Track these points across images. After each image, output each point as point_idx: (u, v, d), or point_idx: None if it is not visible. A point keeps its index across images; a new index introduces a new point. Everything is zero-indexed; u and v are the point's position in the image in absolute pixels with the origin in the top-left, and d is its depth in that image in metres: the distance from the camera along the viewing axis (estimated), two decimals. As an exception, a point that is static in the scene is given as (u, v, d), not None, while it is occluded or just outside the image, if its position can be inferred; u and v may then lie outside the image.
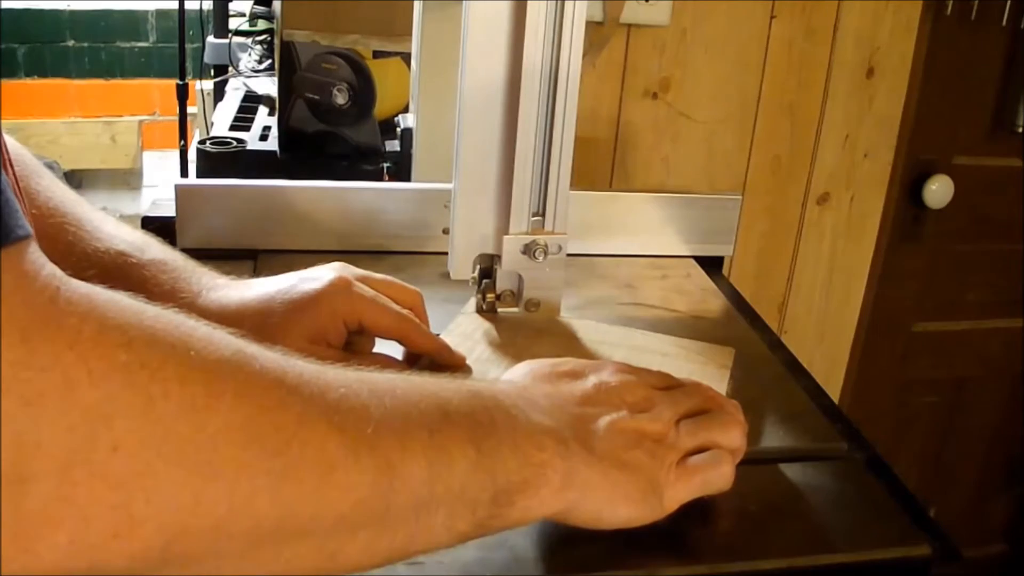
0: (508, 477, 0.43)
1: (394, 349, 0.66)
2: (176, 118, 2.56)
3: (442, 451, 0.41)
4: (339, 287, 0.61)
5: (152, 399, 0.32)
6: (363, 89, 1.13)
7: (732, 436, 0.53)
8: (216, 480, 0.33)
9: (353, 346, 0.63)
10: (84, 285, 0.32)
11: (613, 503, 0.48)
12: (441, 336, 0.68)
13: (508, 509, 0.44)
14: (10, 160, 0.49)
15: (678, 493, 0.50)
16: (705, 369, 0.68)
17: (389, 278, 0.66)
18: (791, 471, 0.61)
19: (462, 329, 0.72)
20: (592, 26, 1.13)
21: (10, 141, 0.64)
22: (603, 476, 0.47)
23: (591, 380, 0.52)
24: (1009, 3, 1.32)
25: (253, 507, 0.34)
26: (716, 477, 0.52)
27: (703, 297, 0.86)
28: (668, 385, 0.55)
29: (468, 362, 0.67)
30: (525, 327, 0.72)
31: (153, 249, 0.63)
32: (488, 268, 0.73)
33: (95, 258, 0.60)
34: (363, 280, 0.63)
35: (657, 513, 0.50)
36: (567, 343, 0.71)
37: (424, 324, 0.66)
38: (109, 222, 0.64)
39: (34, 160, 0.64)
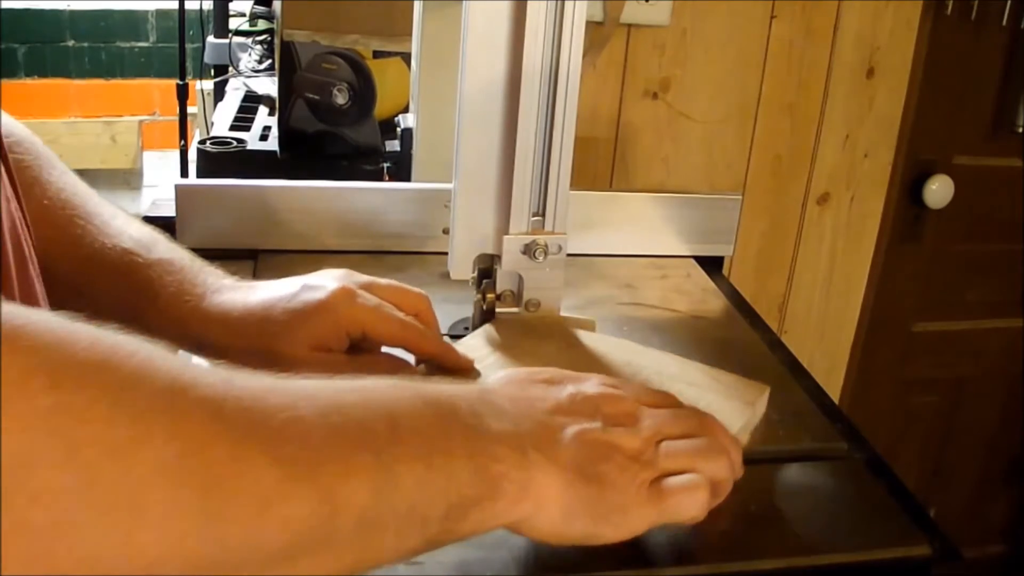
0: (461, 492, 0.42)
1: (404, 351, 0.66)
2: (176, 118, 2.56)
3: (389, 472, 0.39)
4: (341, 297, 0.61)
5: (76, 446, 0.30)
6: (363, 89, 1.13)
7: (716, 466, 0.50)
8: (145, 524, 0.32)
9: (360, 347, 0.63)
10: (21, 314, 0.31)
11: (571, 517, 0.46)
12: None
13: (460, 523, 0.42)
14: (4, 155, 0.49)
15: (646, 514, 0.47)
16: (726, 403, 0.64)
17: (394, 283, 0.65)
18: (791, 471, 0.61)
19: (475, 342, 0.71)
20: (592, 26, 1.13)
21: (21, 129, 0.65)
22: (564, 488, 0.45)
23: (568, 389, 0.50)
24: (1009, 3, 1.32)
25: (185, 548, 0.33)
26: (689, 503, 0.48)
27: (703, 297, 0.86)
28: (661, 404, 0.53)
29: (478, 367, 0.66)
30: (550, 337, 0.71)
31: (160, 247, 0.63)
32: (488, 268, 0.73)
33: (102, 254, 0.60)
34: (367, 287, 0.63)
35: (621, 532, 0.47)
36: (586, 359, 0.69)
37: (432, 327, 0.65)
38: (120, 217, 0.64)
39: (46, 150, 0.64)
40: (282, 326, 0.59)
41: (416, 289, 0.66)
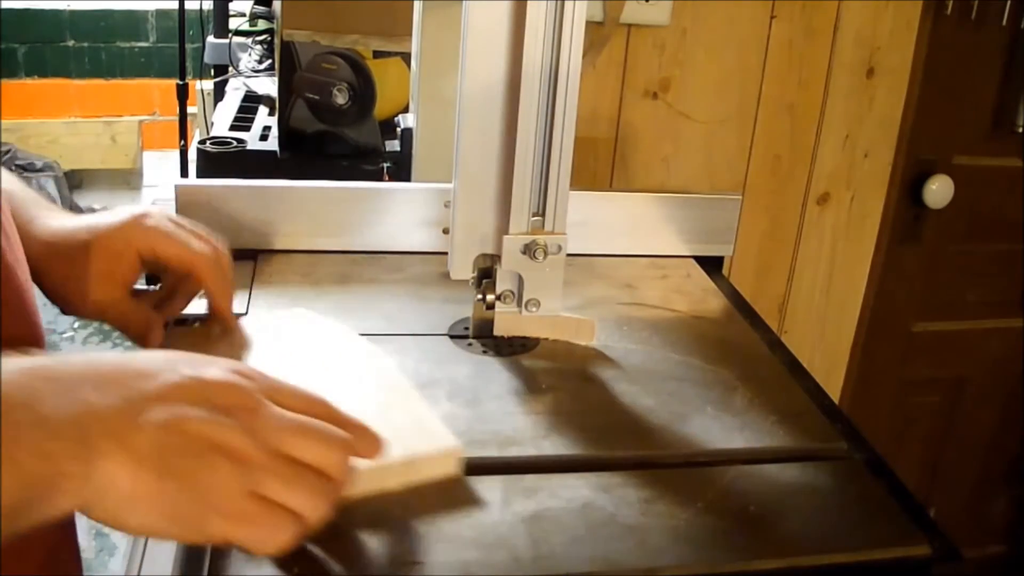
0: (5, 501, 0.39)
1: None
2: (176, 118, 2.56)
3: None
4: (137, 219, 0.65)
5: None
6: (363, 89, 1.13)
7: (314, 509, 0.46)
8: None
9: (176, 292, 0.69)
10: None
11: (132, 509, 0.42)
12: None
13: (14, 524, 0.40)
14: None
15: (224, 527, 0.44)
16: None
17: (196, 225, 0.68)
18: (791, 471, 0.61)
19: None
20: (592, 26, 1.13)
21: None
22: (131, 478, 0.42)
23: (186, 371, 0.45)
24: (1009, 3, 1.32)
25: None
26: (269, 540, 0.45)
27: (703, 297, 0.86)
28: (305, 410, 0.48)
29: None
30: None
31: (7, 182, 0.67)
32: (488, 268, 0.73)
33: None
34: (172, 219, 0.67)
35: (193, 536, 0.44)
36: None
37: (229, 270, 0.69)
38: None
39: None
40: (83, 245, 0.64)
41: (221, 244, 0.68)
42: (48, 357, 0.44)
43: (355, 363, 0.66)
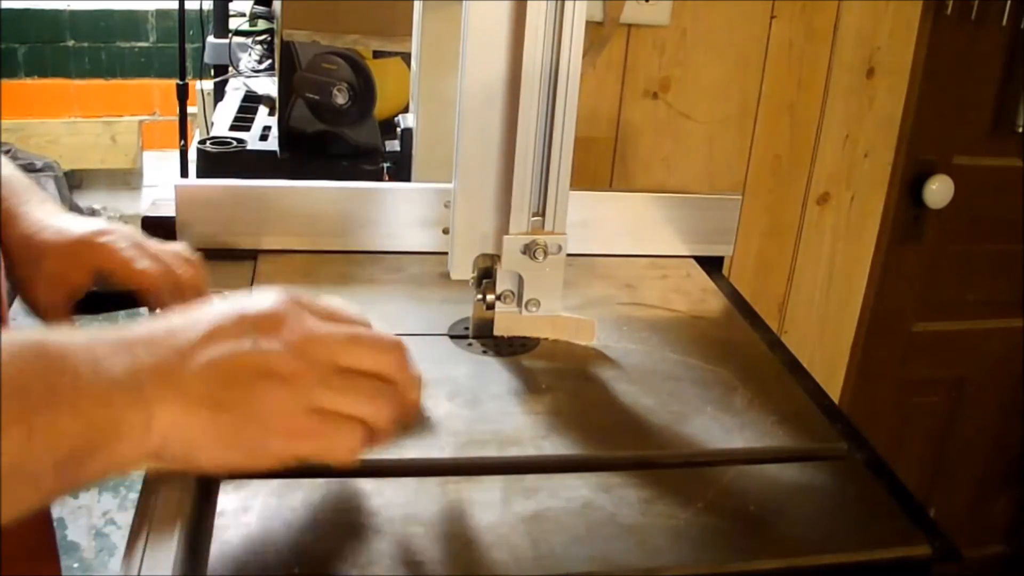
0: (70, 444, 0.42)
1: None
2: (176, 118, 2.56)
3: None
4: (93, 234, 0.66)
5: None
6: (363, 89, 1.13)
7: (379, 413, 0.48)
8: None
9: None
10: None
11: (199, 444, 0.45)
12: None
13: (82, 470, 0.43)
14: None
15: (288, 446, 0.46)
16: None
17: (173, 250, 0.68)
18: (791, 471, 0.61)
19: None
20: (592, 26, 1.13)
21: None
22: (186, 418, 0.44)
23: (229, 308, 0.47)
24: (1009, 3, 1.32)
25: None
26: (339, 447, 0.47)
27: (703, 297, 0.86)
28: (357, 335, 0.49)
29: None
30: None
31: (2, 169, 0.68)
32: (488, 268, 0.73)
33: None
34: (134, 240, 0.67)
35: (263, 461, 0.46)
36: None
37: (193, 293, 0.67)
38: None
39: None
40: (44, 246, 0.65)
41: (186, 267, 0.68)
42: (99, 328, 0.47)
43: None
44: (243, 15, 1.86)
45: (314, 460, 0.47)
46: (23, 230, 0.66)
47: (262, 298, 0.48)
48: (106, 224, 0.67)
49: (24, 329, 0.45)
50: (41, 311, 0.66)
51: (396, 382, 0.49)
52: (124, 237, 0.66)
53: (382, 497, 0.55)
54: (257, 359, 0.46)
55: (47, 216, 0.67)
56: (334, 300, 0.51)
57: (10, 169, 0.69)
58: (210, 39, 2.11)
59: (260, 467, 0.46)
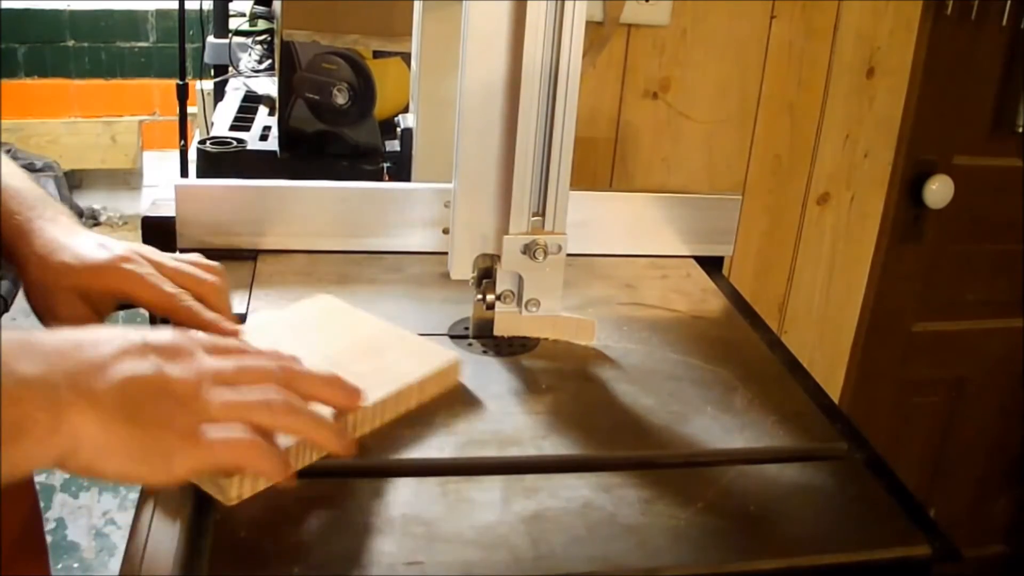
0: None
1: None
2: (176, 118, 2.56)
3: None
4: (115, 261, 0.65)
5: None
6: (363, 89, 1.13)
7: (275, 420, 0.52)
8: None
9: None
10: None
11: (107, 456, 0.47)
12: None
13: None
14: None
15: (188, 461, 0.49)
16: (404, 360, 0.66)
17: (190, 260, 0.68)
18: (791, 471, 0.61)
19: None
20: (592, 26, 1.13)
21: None
22: (101, 427, 0.46)
23: (136, 337, 0.50)
24: (1009, 3, 1.32)
25: None
26: (244, 461, 0.50)
27: (703, 297, 0.86)
28: (246, 364, 0.53)
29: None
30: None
31: (14, 179, 0.69)
32: (488, 268, 0.73)
33: None
34: (153, 261, 0.67)
35: (161, 476, 0.48)
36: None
37: (218, 309, 0.67)
38: None
39: None
40: (69, 269, 0.64)
41: (208, 276, 0.68)
42: (19, 330, 0.48)
43: (348, 323, 0.71)
44: (243, 15, 1.86)
45: (218, 468, 0.50)
46: (38, 248, 0.65)
47: (159, 333, 0.52)
48: (125, 248, 0.66)
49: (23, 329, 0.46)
50: (57, 324, 0.65)
51: (287, 386, 0.53)
52: (145, 261, 0.66)
53: (382, 497, 0.55)
54: (160, 379, 0.49)
55: (63, 235, 0.67)
56: (229, 341, 0.55)
57: (21, 179, 0.69)
58: (210, 39, 2.11)
59: (161, 481, 0.49)
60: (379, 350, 0.67)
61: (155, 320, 0.68)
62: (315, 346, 0.66)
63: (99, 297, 0.65)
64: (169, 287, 0.66)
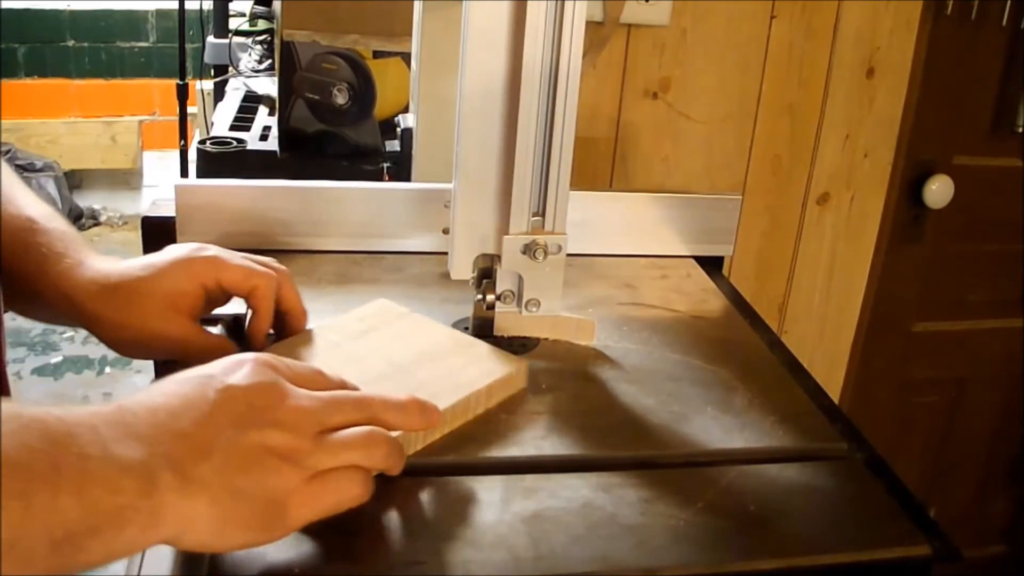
0: (69, 528, 0.41)
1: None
2: (176, 118, 2.56)
3: None
4: (197, 251, 0.65)
5: None
6: (363, 89, 1.13)
7: (373, 457, 0.51)
8: None
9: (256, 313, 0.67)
10: None
11: (223, 532, 0.46)
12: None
13: (81, 553, 0.42)
14: None
15: (303, 513, 0.48)
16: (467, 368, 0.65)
17: (255, 258, 0.68)
18: (791, 471, 0.61)
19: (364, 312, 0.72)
20: (592, 26, 1.13)
21: None
22: (208, 506, 0.45)
23: (216, 384, 0.48)
24: (1009, 3, 1.32)
25: None
26: (344, 498, 0.50)
27: (703, 297, 0.86)
28: (323, 386, 0.53)
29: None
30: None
31: (57, 221, 0.68)
32: (488, 268, 0.73)
33: (7, 219, 0.65)
34: (228, 251, 0.67)
35: (278, 534, 0.48)
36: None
37: (290, 294, 0.68)
38: (20, 190, 0.68)
39: None
40: (144, 281, 0.63)
41: (275, 263, 0.68)
42: (104, 404, 0.47)
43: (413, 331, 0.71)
44: (243, 15, 1.86)
45: (332, 513, 0.50)
46: (100, 280, 0.63)
47: (240, 371, 0.50)
48: (195, 244, 0.66)
49: (32, 406, 0.44)
50: (172, 348, 0.64)
51: (378, 423, 0.53)
52: (220, 250, 0.66)
53: (382, 497, 0.55)
54: (259, 441, 0.48)
55: (117, 261, 0.65)
56: (299, 364, 0.54)
57: (54, 218, 0.67)
58: (210, 39, 2.11)
59: (277, 539, 0.48)
60: (442, 355, 0.67)
61: (158, 366, 0.67)
62: (378, 352, 0.67)
63: (191, 295, 0.64)
64: (256, 266, 0.66)
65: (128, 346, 0.65)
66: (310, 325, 0.70)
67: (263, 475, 0.47)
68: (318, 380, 0.54)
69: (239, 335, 0.69)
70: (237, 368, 0.50)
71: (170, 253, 0.65)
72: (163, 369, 0.64)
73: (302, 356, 0.66)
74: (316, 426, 0.50)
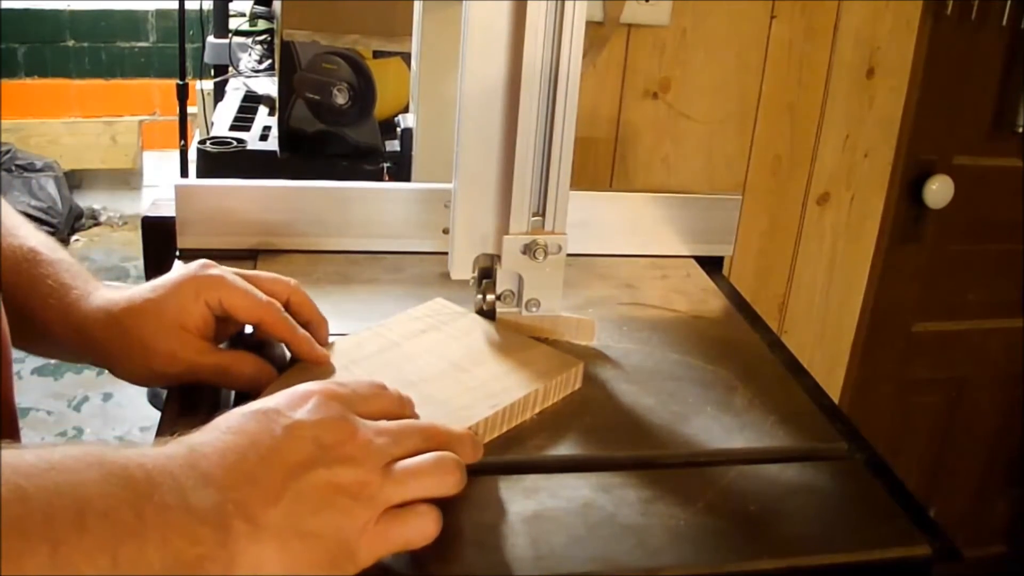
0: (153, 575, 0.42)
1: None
2: (176, 118, 2.56)
3: (67, 567, 0.39)
4: (201, 271, 0.64)
5: None
6: (363, 89, 1.13)
7: (445, 484, 0.51)
8: None
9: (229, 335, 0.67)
10: None
11: (294, 573, 0.46)
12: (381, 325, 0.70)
13: None
14: None
15: (373, 550, 0.48)
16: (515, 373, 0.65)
17: (261, 272, 0.67)
18: (791, 471, 0.61)
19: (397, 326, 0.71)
20: (592, 26, 1.13)
21: None
22: (279, 551, 0.45)
23: (283, 421, 0.48)
24: (1009, 3, 1.32)
25: None
26: (415, 536, 0.49)
27: (703, 297, 0.86)
28: (389, 413, 0.53)
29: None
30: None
31: (60, 252, 0.68)
32: (488, 268, 0.73)
33: (9, 252, 0.65)
34: (234, 272, 0.66)
35: (350, 571, 0.47)
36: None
37: (309, 313, 0.67)
38: (20, 220, 0.68)
39: None
40: (151, 303, 0.63)
41: (283, 277, 0.67)
42: (175, 444, 0.47)
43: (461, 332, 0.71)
44: (243, 15, 1.86)
45: (401, 550, 0.49)
46: (108, 308, 0.63)
47: (306, 407, 0.49)
48: (201, 261, 0.65)
49: (95, 443, 0.44)
50: (188, 369, 0.63)
51: (446, 456, 0.52)
52: (226, 269, 0.65)
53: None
54: (328, 480, 0.47)
55: (124, 288, 0.65)
56: (360, 383, 0.54)
57: (56, 250, 0.67)
58: (210, 39, 2.11)
59: (356, 571, 0.48)
60: (500, 355, 0.68)
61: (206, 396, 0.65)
62: (436, 351, 0.67)
63: (197, 313, 0.62)
64: (262, 296, 0.64)
65: (141, 373, 0.64)
66: (365, 326, 0.69)
67: (333, 516, 0.47)
68: (381, 396, 0.54)
69: (252, 343, 0.68)
70: (302, 403, 0.50)
71: (176, 272, 0.65)
72: (175, 392, 0.64)
73: (363, 354, 0.66)
74: (385, 458, 0.49)
